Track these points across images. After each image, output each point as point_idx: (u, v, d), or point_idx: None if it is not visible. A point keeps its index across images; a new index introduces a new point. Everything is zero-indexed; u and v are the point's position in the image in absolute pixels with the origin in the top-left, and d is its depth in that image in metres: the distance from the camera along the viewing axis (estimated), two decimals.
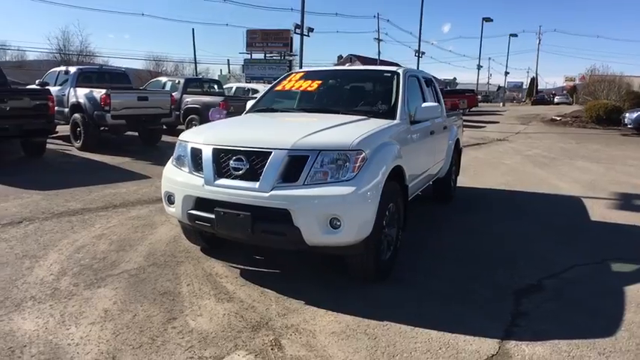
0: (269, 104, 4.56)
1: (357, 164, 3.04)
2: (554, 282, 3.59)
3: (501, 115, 29.78)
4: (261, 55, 40.79)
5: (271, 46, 40.80)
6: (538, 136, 16.89)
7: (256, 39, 40.83)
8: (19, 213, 5.05)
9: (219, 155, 3.27)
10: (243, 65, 41.51)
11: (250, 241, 3.32)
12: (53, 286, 3.23)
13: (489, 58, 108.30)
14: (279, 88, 4.79)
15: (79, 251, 3.96)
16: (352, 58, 68.18)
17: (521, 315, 3.01)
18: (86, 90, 9.68)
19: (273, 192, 3.01)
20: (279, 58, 41.22)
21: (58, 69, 11.43)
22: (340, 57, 70.55)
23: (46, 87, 9.91)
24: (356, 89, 4.64)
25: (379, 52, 52.47)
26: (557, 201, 6.57)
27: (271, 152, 3.08)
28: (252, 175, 3.11)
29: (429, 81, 5.35)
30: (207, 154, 3.31)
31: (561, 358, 2.52)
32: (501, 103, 53.47)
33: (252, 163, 3.13)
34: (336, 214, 2.94)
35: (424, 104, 4.10)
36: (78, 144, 9.76)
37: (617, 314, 3.05)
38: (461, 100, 24.94)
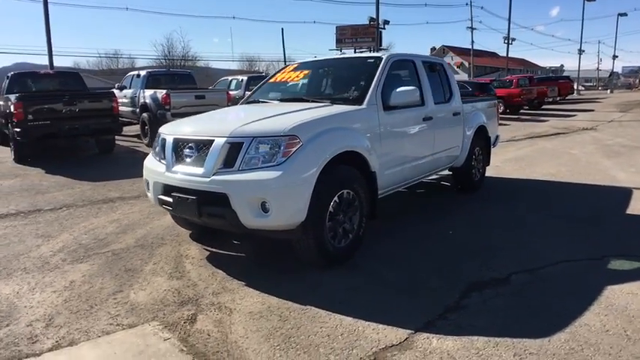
0: (257, 96, 4.72)
1: (289, 149, 3.08)
2: (525, 277, 3.27)
3: (600, 102, 26.61)
4: (351, 51, 41.21)
5: (360, 42, 41.13)
6: (633, 124, 14.86)
7: (346, 35, 41.51)
8: (63, 200, 5.83)
9: (177, 144, 3.52)
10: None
11: (203, 223, 3.53)
12: (46, 261, 3.74)
13: (599, 42, 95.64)
14: (272, 80, 4.93)
15: (87, 233, 4.49)
16: (445, 50, 65.77)
17: (458, 309, 2.82)
18: (151, 91, 10.71)
19: (213, 177, 3.18)
20: (368, 52, 41.52)
21: (132, 73, 12.76)
22: (433, 49, 68.42)
23: (122, 89, 11.17)
24: (338, 77, 4.60)
25: (472, 41, 49.80)
26: (600, 192, 5.84)
27: (214, 140, 3.25)
28: (200, 162, 3.31)
29: (434, 66, 5.09)
30: (169, 143, 3.59)
31: (468, 355, 2.34)
32: (608, 90, 47.60)
33: (199, 151, 3.34)
34: (265, 198, 3.02)
35: (399, 89, 3.94)
36: (146, 141, 10.83)
37: (572, 315, 2.71)
38: (550, 88, 22.68)
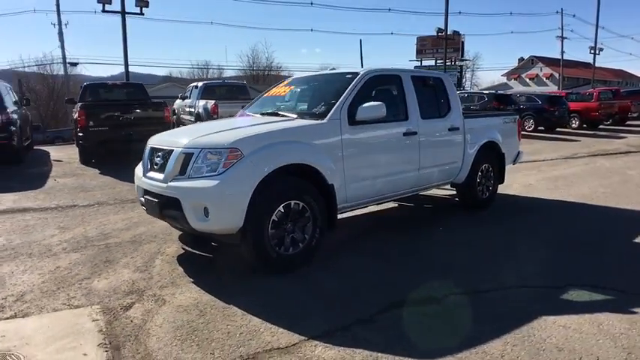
0: (247, 109, 5.04)
1: (230, 161, 3.35)
2: (462, 299, 3.22)
3: None
4: (432, 62, 40.66)
5: (441, 52, 40.39)
6: None
7: (426, 45, 40.94)
8: (98, 199, 6.62)
9: (152, 153, 3.96)
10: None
11: (167, 222, 3.91)
12: (49, 249, 4.36)
13: None
14: (267, 94, 5.24)
15: (98, 228, 5.11)
16: (534, 60, 62.00)
17: (367, 322, 2.88)
18: (204, 101, 11.60)
19: (170, 183, 3.55)
20: (449, 63, 40.90)
21: (193, 84, 13.86)
22: (521, 59, 64.84)
23: (184, 99, 12.17)
24: (316, 92, 4.74)
25: (562, 51, 46.47)
26: (622, 217, 5.37)
27: (173, 150, 3.62)
28: (163, 169, 3.70)
29: (427, 80, 5.07)
30: (147, 152, 4.04)
31: None
32: None
33: (164, 159, 3.73)
34: (205, 204, 3.32)
35: (365, 104, 4.04)
36: None
37: (480, 341, 2.64)
38: (635, 102, 20.42)
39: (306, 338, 2.68)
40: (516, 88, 53.45)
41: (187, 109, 12.95)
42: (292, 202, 3.61)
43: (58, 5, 29.71)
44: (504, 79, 63.12)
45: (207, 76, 58.65)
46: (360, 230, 5.07)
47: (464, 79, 59.94)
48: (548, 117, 16.24)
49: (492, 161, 5.86)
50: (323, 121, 3.95)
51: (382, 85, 4.60)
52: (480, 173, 5.67)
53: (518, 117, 6.47)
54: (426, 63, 40.11)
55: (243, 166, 3.36)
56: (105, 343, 2.65)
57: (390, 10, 48.20)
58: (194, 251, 4.27)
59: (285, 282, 3.51)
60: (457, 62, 40.96)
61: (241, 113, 5.18)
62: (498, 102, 16.03)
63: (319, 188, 3.80)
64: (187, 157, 3.51)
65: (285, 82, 5.17)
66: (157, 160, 3.82)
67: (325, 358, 2.48)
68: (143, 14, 16.81)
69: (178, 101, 14.28)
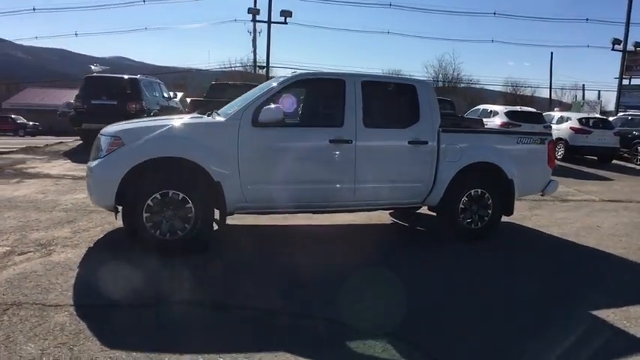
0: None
1: (111, 147, 3.88)
2: (254, 314, 3.11)
3: None
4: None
5: None
6: None
7: (638, 61, 34.36)
8: None
9: None
10: (618, 92, 35.92)
11: None
12: (54, 207, 5.57)
13: None
14: None
15: None
16: None
17: (147, 308, 3.11)
18: None
19: (89, 162, 4.27)
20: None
21: None
22: None
23: None
24: (250, 94, 4.73)
25: None
26: None
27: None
28: None
29: (387, 86, 4.69)
30: None
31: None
32: None
33: None
34: (89, 182, 3.93)
35: (264, 107, 4.06)
36: None
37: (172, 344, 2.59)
38: None
39: (77, 305, 3.03)
40: None
41: None
42: (171, 192, 3.93)
43: (254, 17, 35.09)
44: None
45: None
46: (301, 237, 5.02)
47: None
48: None
49: (490, 187, 4.97)
50: (220, 120, 4.16)
51: (315, 89, 4.48)
52: (465, 198, 4.89)
53: (550, 138, 5.27)
54: (635, 82, 33.18)
55: (120, 153, 3.85)
56: None
57: (587, 20, 41.15)
58: None
59: (153, 261, 3.83)
60: None
61: None
62: None
63: (208, 183, 4.01)
64: (98, 141, 4.17)
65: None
66: None
67: (57, 322, 2.79)
68: (287, 23, 18.78)
69: None
